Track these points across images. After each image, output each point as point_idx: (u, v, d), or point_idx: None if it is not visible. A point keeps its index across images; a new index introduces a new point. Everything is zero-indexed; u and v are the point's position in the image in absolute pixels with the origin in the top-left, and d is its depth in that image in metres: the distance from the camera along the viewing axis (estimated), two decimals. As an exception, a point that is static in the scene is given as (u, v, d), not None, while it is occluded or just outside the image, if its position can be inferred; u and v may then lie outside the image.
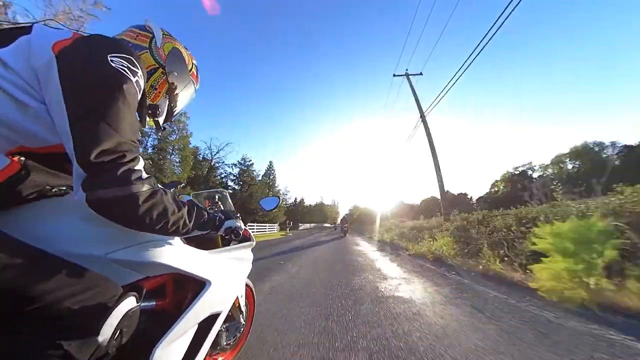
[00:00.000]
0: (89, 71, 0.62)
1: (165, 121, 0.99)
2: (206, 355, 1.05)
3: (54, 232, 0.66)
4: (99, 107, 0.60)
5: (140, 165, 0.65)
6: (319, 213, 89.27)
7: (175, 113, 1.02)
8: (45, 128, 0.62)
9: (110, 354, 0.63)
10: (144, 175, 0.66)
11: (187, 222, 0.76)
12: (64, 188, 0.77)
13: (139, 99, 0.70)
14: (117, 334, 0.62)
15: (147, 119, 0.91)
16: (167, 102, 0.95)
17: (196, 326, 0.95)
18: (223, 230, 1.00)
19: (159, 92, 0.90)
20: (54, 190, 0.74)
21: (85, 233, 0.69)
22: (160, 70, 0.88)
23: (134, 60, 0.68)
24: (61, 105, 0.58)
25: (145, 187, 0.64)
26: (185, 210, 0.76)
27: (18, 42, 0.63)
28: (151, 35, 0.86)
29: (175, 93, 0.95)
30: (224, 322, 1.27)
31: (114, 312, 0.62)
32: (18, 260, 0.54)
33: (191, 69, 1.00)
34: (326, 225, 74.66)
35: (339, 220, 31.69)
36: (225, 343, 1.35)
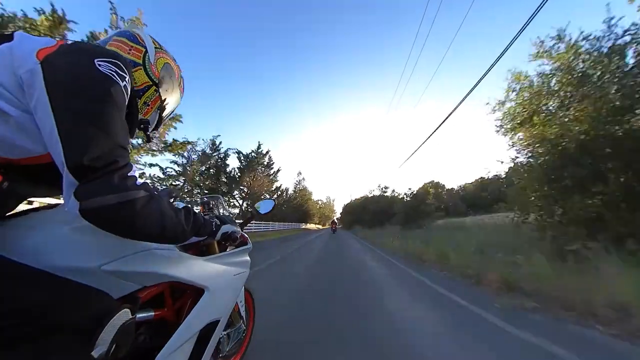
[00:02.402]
0: (75, 75, 0.60)
1: (152, 131, 0.99)
2: None
3: (41, 245, 0.63)
4: (88, 111, 0.58)
5: (133, 170, 0.63)
6: (297, 206, 48.58)
7: (162, 123, 1.03)
8: (27, 138, 0.60)
9: None
10: (139, 180, 0.64)
11: (185, 228, 0.74)
12: (51, 200, 0.75)
13: (126, 103, 0.68)
14: (112, 349, 0.60)
15: (137, 131, 0.90)
16: (157, 115, 0.96)
17: (197, 334, 0.94)
18: (220, 236, 0.99)
19: (151, 107, 0.89)
20: (39, 202, 0.72)
21: (76, 246, 0.67)
22: (154, 87, 0.87)
23: (122, 65, 0.67)
24: (48, 112, 0.56)
25: (142, 193, 0.62)
26: (182, 216, 0.74)
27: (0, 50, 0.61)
28: (144, 50, 0.84)
29: (165, 106, 0.96)
30: (225, 328, 1.26)
31: (108, 327, 0.60)
32: (3, 278, 0.51)
33: (180, 83, 1.01)
34: (306, 227, 50.87)
35: (331, 222, 35.64)
36: (227, 350, 1.33)
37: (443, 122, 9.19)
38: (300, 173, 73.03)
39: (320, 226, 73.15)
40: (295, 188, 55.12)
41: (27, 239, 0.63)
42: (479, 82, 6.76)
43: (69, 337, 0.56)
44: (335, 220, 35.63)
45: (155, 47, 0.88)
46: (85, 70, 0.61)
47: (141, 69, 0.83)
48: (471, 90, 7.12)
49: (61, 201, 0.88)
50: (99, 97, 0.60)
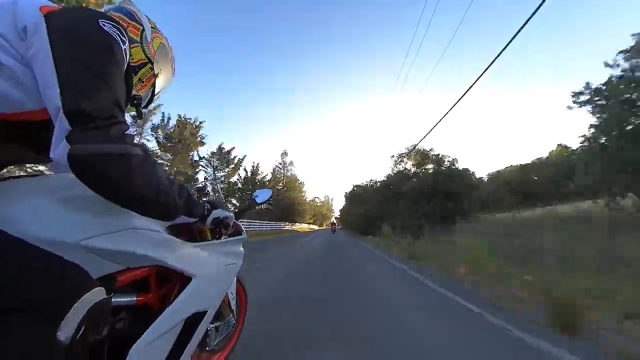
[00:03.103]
0: (80, 30, 0.60)
1: (144, 107, 1.01)
2: (193, 356, 0.98)
3: (19, 214, 0.59)
4: (90, 60, 0.59)
5: (130, 131, 0.62)
6: (281, 197, 38.91)
7: (153, 100, 1.05)
8: (21, 91, 0.59)
9: (77, 352, 0.55)
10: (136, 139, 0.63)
11: (177, 201, 0.71)
12: (36, 167, 0.71)
13: (124, 68, 0.68)
14: (81, 330, 0.54)
15: (129, 106, 0.91)
16: (150, 92, 0.98)
17: (181, 325, 0.88)
18: (211, 220, 0.94)
19: (145, 84, 0.92)
20: (23, 168, 0.68)
21: (55, 217, 0.63)
22: (149, 65, 0.89)
23: (123, 31, 0.68)
24: (48, 58, 0.55)
25: (140, 151, 0.60)
26: (176, 188, 0.71)
27: (1, 4, 0.61)
28: (141, 28, 0.86)
29: (157, 84, 0.98)
30: (213, 321, 1.21)
31: (77, 305, 0.54)
32: None
33: (172, 63, 1.05)
34: (294, 228, 38.13)
35: (331, 223, 38.74)
36: (214, 344, 1.28)
37: (456, 103, 8.43)
38: (285, 153, 45.16)
39: (316, 226, 66.03)
40: (275, 171, 39.36)
41: (5, 207, 0.59)
42: (489, 65, 6.57)
43: (31, 314, 0.50)
44: (334, 221, 40.08)
45: (152, 27, 0.91)
46: (89, 26, 0.62)
47: (138, 46, 0.85)
48: (483, 72, 6.86)
49: (45, 170, 0.82)
50: (102, 50, 0.60)
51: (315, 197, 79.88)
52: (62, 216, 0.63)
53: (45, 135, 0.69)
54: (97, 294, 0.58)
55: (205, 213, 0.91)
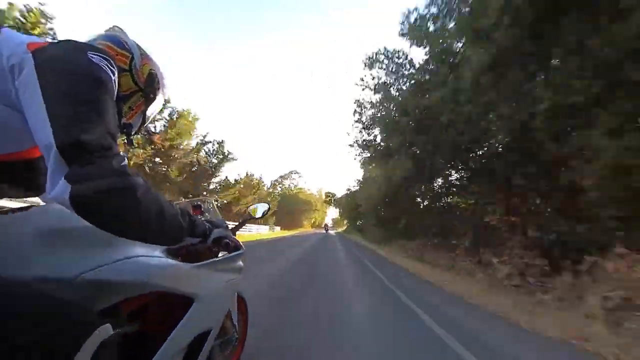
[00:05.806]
0: (69, 63, 0.59)
1: (135, 134, 1.00)
2: None
3: (9, 253, 0.57)
4: (81, 96, 0.56)
5: (125, 160, 0.60)
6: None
7: (144, 126, 1.03)
8: (4, 133, 0.58)
9: None
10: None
11: (182, 224, 0.70)
12: (24, 204, 0.70)
13: (115, 99, 0.67)
14: None
15: (119, 134, 0.88)
16: (140, 118, 0.96)
17: (186, 347, 0.87)
18: (211, 240, 0.93)
19: (135, 112, 0.91)
20: (10, 205, 0.67)
21: (50, 253, 0.61)
22: (140, 93, 0.88)
23: (112, 62, 0.67)
24: (36, 92, 0.53)
25: (142, 181, 0.59)
26: (178, 209, 0.70)
27: None
28: (130, 56, 0.84)
29: (148, 110, 0.97)
30: (217, 337, 1.20)
31: (86, 344, 0.53)
32: None
33: (162, 87, 1.02)
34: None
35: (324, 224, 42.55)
36: (218, 359, 1.27)
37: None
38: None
39: (278, 229, 38.18)
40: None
41: None
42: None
43: (40, 357, 0.49)
44: (327, 225, 45.59)
45: (141, 54, 0.89)
46: (78, 58, 0.60)
47: (127, 74, 0.83)
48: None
49: (34, 200, 0.81)
50: (92, 82, 0.59)
51: (291, 171, 59.13)
52: (54, 252, 0.61)
53: (33, 173, 0.68)
54: (105, 331, 0.57)
55: (207, 233, 0.90)
